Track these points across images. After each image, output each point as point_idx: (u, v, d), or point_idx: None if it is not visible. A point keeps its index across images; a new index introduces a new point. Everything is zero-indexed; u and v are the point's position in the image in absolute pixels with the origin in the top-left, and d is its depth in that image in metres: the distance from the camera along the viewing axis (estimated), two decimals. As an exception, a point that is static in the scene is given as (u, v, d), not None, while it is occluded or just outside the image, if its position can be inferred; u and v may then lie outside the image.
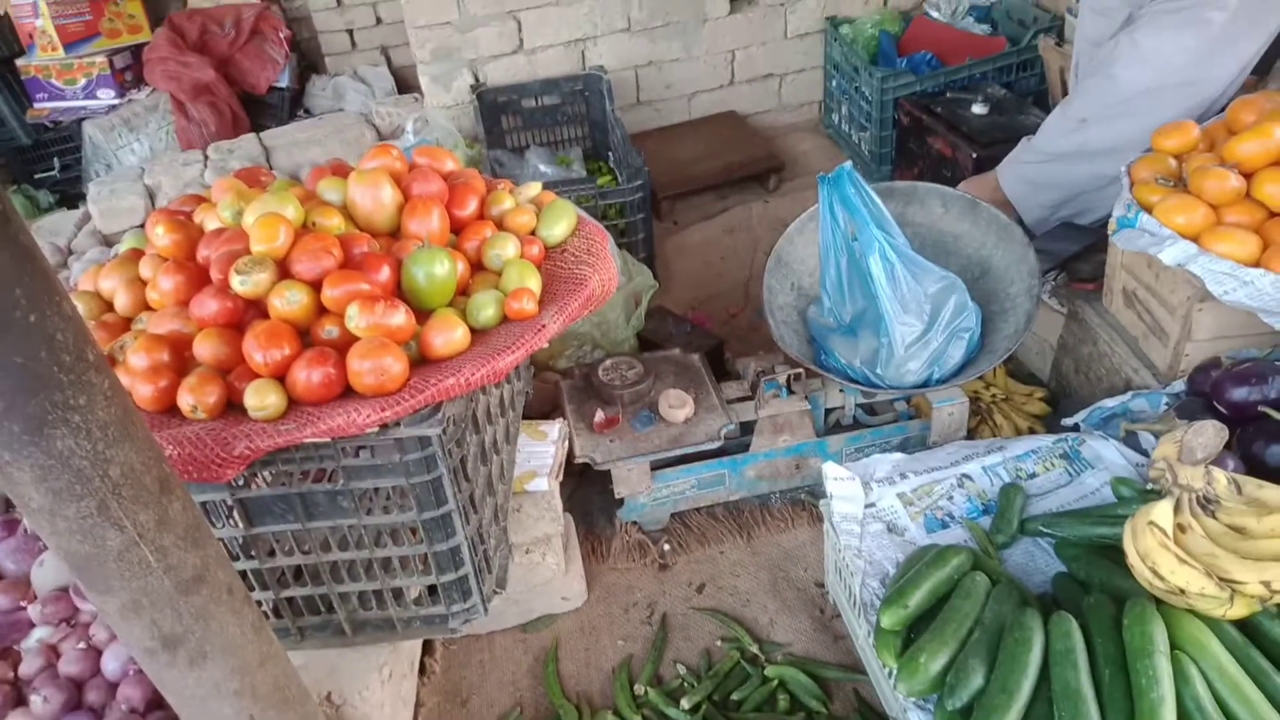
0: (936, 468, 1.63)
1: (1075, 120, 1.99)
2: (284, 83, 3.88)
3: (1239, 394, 1.48)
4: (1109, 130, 1.94)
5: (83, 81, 3.68)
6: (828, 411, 1.88)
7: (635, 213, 2.44)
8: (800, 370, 1.82)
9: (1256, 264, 1.50)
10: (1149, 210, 1.62)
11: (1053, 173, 2.05)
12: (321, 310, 1.19)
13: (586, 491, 1.93)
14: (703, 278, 2.53)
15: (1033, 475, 1.60)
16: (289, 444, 1.08)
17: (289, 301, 1.16)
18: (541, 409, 1.92)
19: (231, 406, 1.16)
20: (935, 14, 2.88)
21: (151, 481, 0.82)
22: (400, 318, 1.15)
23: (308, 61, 4.17)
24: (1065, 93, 2.51)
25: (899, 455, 1.66)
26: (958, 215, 1.92)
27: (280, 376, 1.14)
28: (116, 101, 3.72)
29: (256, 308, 1.20)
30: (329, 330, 1.16)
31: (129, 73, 3.81)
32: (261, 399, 1.10)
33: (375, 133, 2.99)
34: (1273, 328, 1.51)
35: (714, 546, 1.84)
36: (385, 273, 1.22)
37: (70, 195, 3.62)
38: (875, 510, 1.56)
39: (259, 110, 3.88)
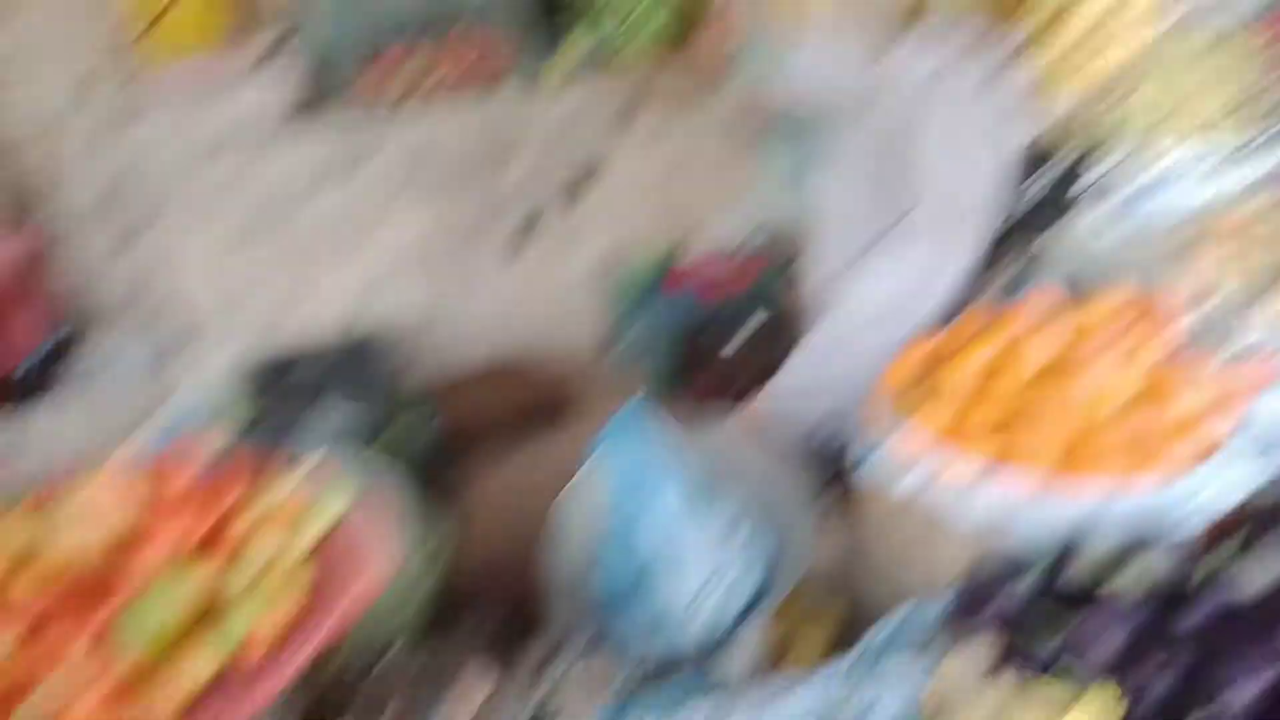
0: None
1: (818, 344, 2.14)
2: (39, 357, 3.60)
3: (999, 602, 1.55)
4: (845, 353, 2.09)
5: None
6: (624, 678, 1.78)
7: (426, 469, 2.38)
8: (589, 642, 1.73)
9: (989, 476, 1.62)
10: (886, 434, 1.73)
11: (804, 395, 2.17)
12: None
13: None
14: (504, 531, 2.46)
15: (846, 699, 1.58)
16: None
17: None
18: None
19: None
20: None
21: None
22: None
23: (71, 329, 3.93)
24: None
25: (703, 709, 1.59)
26: (735, 442, 1.98)
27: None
28: None
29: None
30: None
31: None
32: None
33: (137, 408, 2.81)
34: (1020, 534, 1.61)
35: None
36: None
37: None
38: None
39: (5, 391, 3.55)
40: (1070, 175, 1.94)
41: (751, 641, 1.75)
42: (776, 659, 1.92)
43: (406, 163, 2.82)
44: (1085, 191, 1.98)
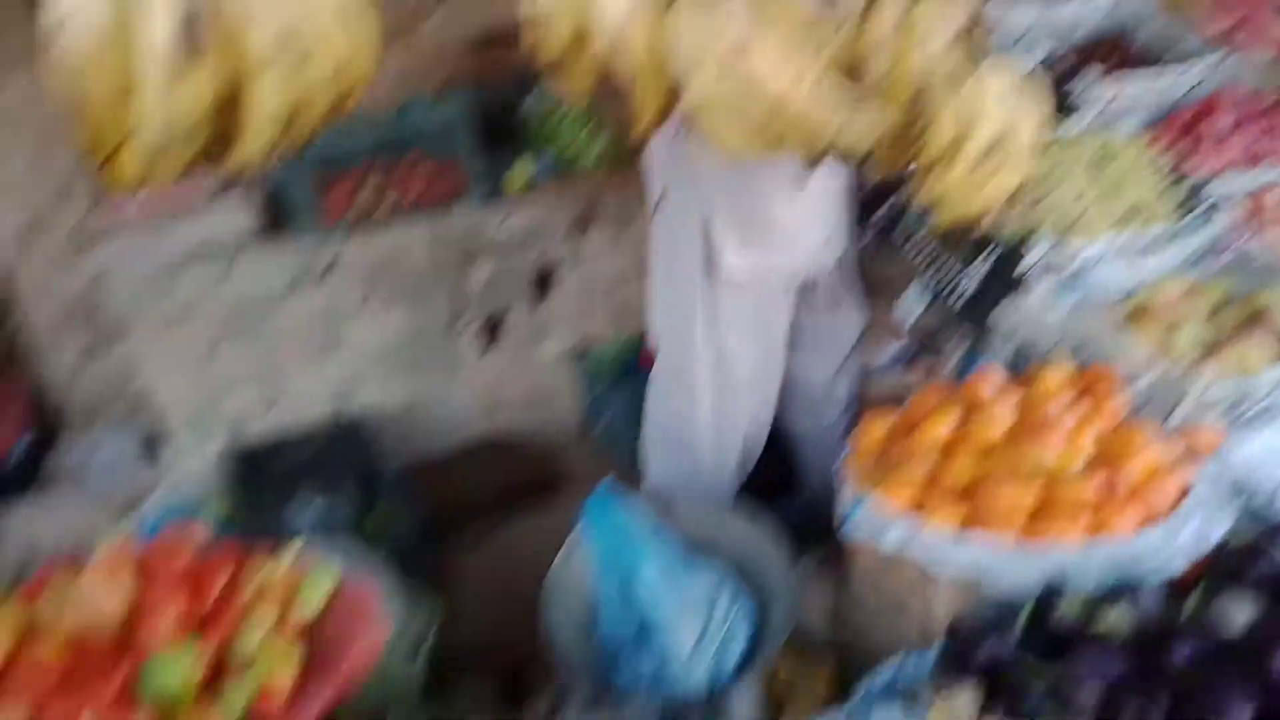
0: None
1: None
2: (16, 455, 3.57)
3: (984, 650, 1.61)
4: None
5: None
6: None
7: (412, 551, 2.39)
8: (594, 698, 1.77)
9: (962, 536, 1.69)
10: (863, 499, 1.81)
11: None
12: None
13: None
14: (497, 601, 2.47)
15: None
16: None
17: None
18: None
19: None
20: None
21: None
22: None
23: (50, 427, 3.89)
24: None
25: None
26: (708, 522, 2.05)
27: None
28: None
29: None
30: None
31: None
32: None
33: (117, 507, 2.79)
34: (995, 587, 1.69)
35: None
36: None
37: None
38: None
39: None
40: (1011, 259, 2.10)
41: (750, 693, 1.78)
42: (776, 711, 1.94)
43: (374, 270, 2.94)
44: (1025, 274, 2.13)
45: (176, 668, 1.13)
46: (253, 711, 1.17)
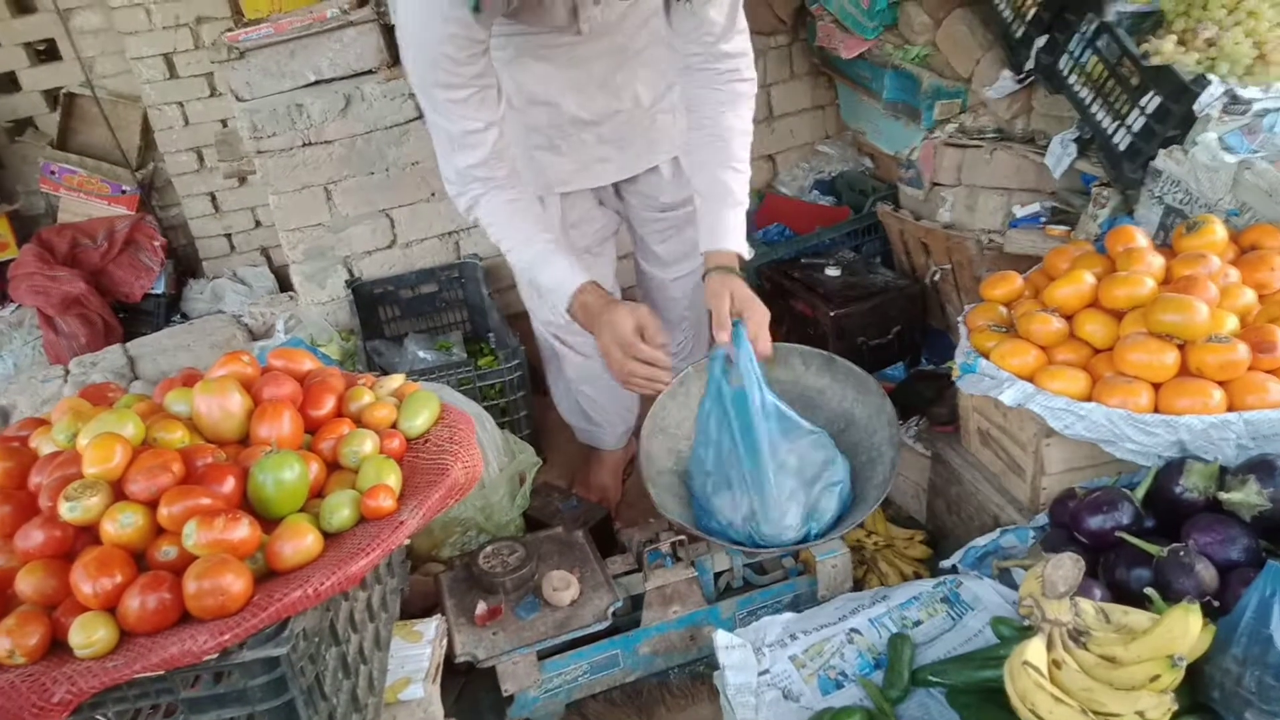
0: (825, 625, 1.61)
1: None
2: (160, 289, 3.85)
3: (1095, 523, 1.54)
4: None
5: (-59, 303, 3.58)
6: (717, 576, 1.86)
7: (515, 391, 2.46)
8: (683, 537, 1.81)
9: (1089, 398, 1.60)
10: (986, 355, 1.73)
11: None
12: (160, 531, 1.13)
13: (474, 691, 1.83)
14: (585, 446, 2.54)
15: (918, 623, 1.60)
16: (117, 682, 1.00)
17: (122, 525, 1.10)
18: (423, 605, 1.84)
19: (58, 646, 1.07)
20: (784, 190, 3.12)
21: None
22: (242, 531, 1.11)
23: (185, 267, 4.17)
24: (907, 252, 2.72)
25: (789, 615, 1.64)
26: (817, 371, 1.99)
27: (113, 608, 1.06)
28: (-22, 320, 3.62)
29: (89, 535, 1.14)
30: (166, 551, 1.10)
31: (-8, 290, 3.74)
32: (88, 635, 1.02)
33: (248, 334, 2.97)
34: (1114, 456, 1.60)
35: (614, 735, 1.75)
36: (229, 484, 1.18)
37: (-78, 419, 3.43)
38: (769, 677, 1.53)
39: (135, 319, 3.82)
40: (1182, 99, 1.87)
41: (841, 549, 1.78)
42: (868, 571, 1.96)
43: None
44: (1194, 119, 1.90)
45: (287, 469, 1.20)
46: (364, 509, 1.23)
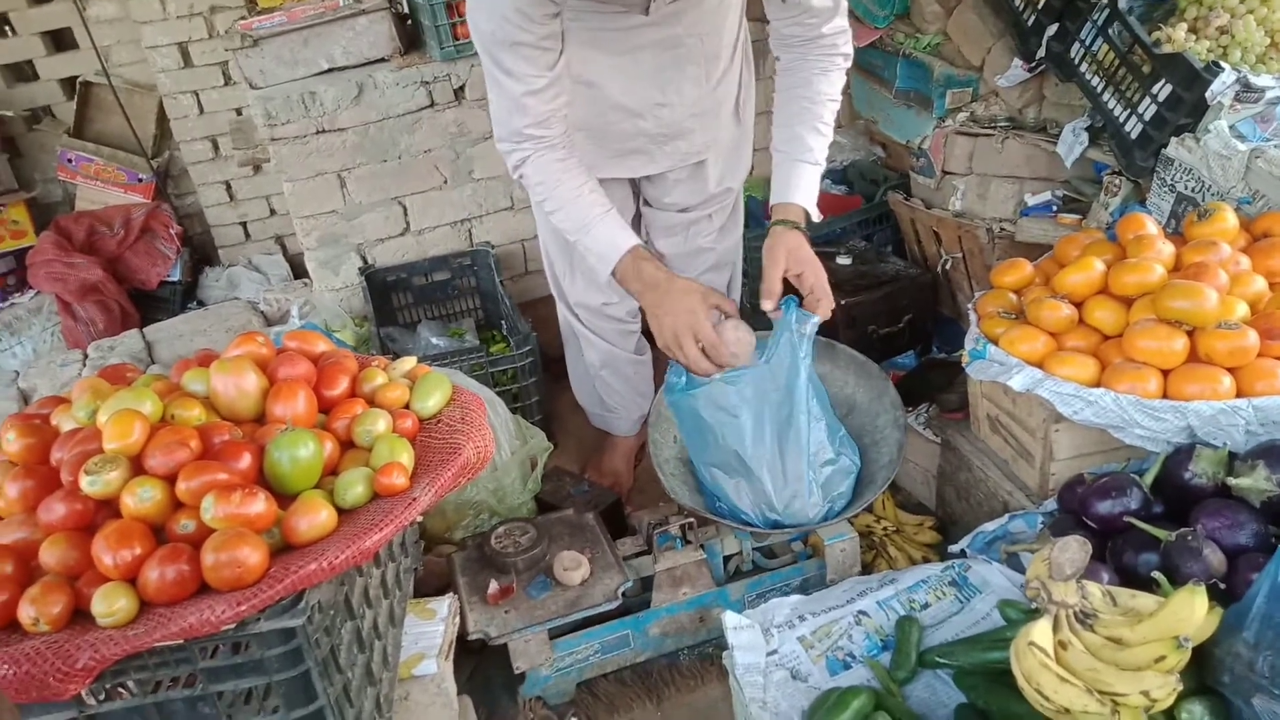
0: (834, 607, 1.62)
1: None
2: (175, 277, 3.89)
3: (1103, 508, 1.55)
4: None
5: (-39, 289, 3.62)
6: (726, 559, 1.87)
7: (527, 377, 2.48)
8: (692, 520, 1.83)
9: (1097, 384, 1.60)
10: (995, 342, 1.73)
11: None
12: (178, 505, 1.16)
13: (487, 669, 1.85)
14: (598, 431, 2.56)
15: (926, 605, 1.61)
16: (138, 649, 1.02)
17: (141, 499, 1.12)
18: (436, 585, 1.86)
19: (81, 615, 1.10)
20: (796, 177, 3.10)
21: (-30, 708, 0.76)
22: (259, 505, 1.13)
23: (201, 254, 4.20)
24: (918, 241, 2.72)
25: (797, 597, 1.66)
26: (819, 358, 2.00)
27: (133, 579, 1.09)
28: (-2, 306, 3.66)
29: (110, 508, 1.16)
30: (184, 525, 1.12)
31: (12, 277, 3.77)
32: (109, 604, 1.05)
33: (263, 320, 3.00)
34: (1123, 442, 1.60)
35: (623, 715, 1.77)
36: (246, 460, 1.21)
37: (-57, 404, 3.47)
38: (777, 657, 1.54)
39: (151, 306, 3.86)
40: (1194, 87, 1.86)
41: (849, 532, 1.79)
42: (876, 555, 1.97)
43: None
44: (1206, 107, 1.90)
45: (302, 446, 1.22)
46: (378, 486, 1.26)
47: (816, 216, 1.84)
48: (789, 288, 1.76)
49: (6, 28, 3.93)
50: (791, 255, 1.73)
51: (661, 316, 1.70)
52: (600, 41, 1.80)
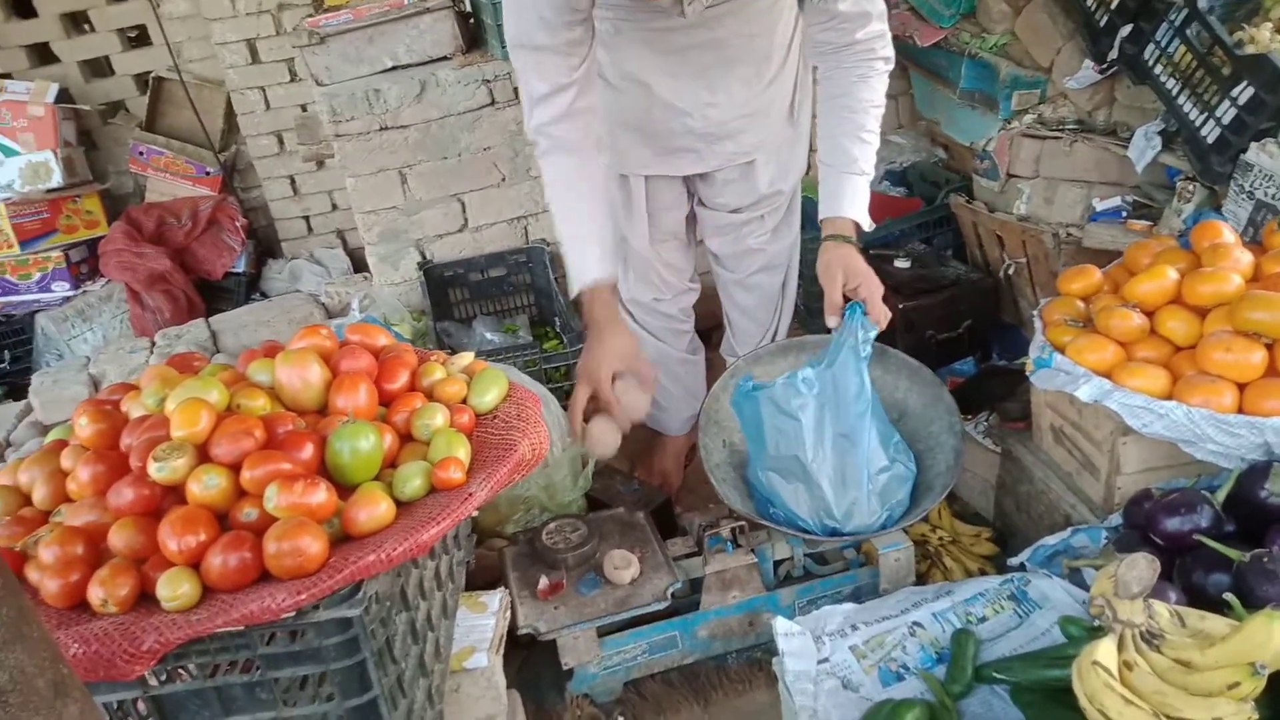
0: (887, 616, 1.60)
1: None
2: (240, 268, 3.99)
3: (1172, 524, 1.49)
4: None
5: (37, 276, 3.76)
6: (777, 564, 1.85)
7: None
8: (744, 524, 1.81)
9: (1169, 397, 1.55)
10: (1062, 350, 1.68)
11: None
12: (242, 493, 1.18)
13: (535, 664, 1.86)
14: (650, 430, 2.55)
15: (983, 619, 1.57)
16: (200, 634, 1.04)
17: (207, 486, 1.15)
18: (487, 578, 1.87)
19: (146, 598, 1.12)
20: (854, 178, 3.06)
21: (45, 685, 0.79)
22: (320, 496, 1.14)
23: (264, 247, 4.30)
24: (980, 245, 2.66)
25: (850, 606, 1.63)
26: (870, 362, 1.97)
27: (196, 564, 1.11)
28: (71, 293, 3.79)
29: (176, 494, 1.19)
30: (248, 513, 1.15)
31: (85, 265, 3.91)
32: (174, 589, 1.07)
33: (324, 312, 3.05)
34: (1194, 457, 1.55)
35: (670, 716, 1.77)
36: (308, 450, 1.22)
37: (19, 387, 3.60)
38: (829, 666, 1.52)
39: (216, 296, 3.97)
40: (1277, 88, 1.79)
41: (904, 541, 1.76)
42: (932, 566, 1.93)
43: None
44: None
45: (363, 439, 1.24)
46: (435, 480, 1.27)
47: (868, 225, 1.85)
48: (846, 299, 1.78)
49: (86, 24, 4.07)
50: (847, 270, 1.75)
51: (584, 356, 1.83)
52: (649, 40, 1.82)
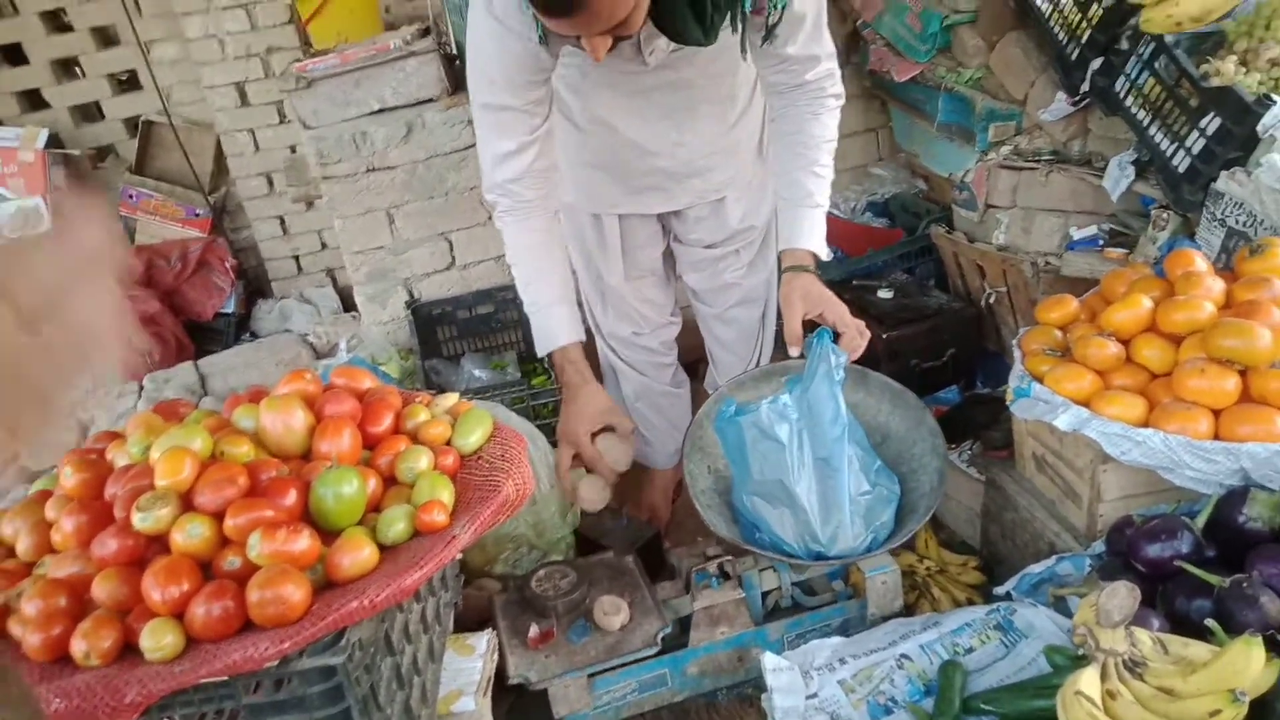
0: (875, 649, 1.60)
1: None
2: (230, 309, 4.00)
3: (1153, 551, 1.50)
4: None
5: (27, 321, 3.75)
6: (764, 595, 1.86)
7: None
8: (730, 558, 1.82)
9: (1146, 424, 1.57)
10: (1040, 380, 1.71)
11: None
12: (225, 542, 1.19)
13: (524, 706, 1.85)
14: (637, 465, 2.56)
15: (970, 650, 1.58)
16: (183, 685, 1.04)
17: (190, 535, 1.15)
18: (476, 619, 1.87)
19: (130, 649, 1.13)
20: (836, 211, 3.11)
21: (24, 742, 0.79)
22: (303, 543, 1.15)
23: (254, 286, 4.32)
24: (961, 274, 2.70)
25: (837, 639, 1.64)
26: (851, 386, 1.97)
27: (180, 614, 1.12)
28: (60, 338, 3.78)
29: (160, 544, 1.19)
30: (231, 561, 1.15)
31: (74, 310, 3.90)
32: (157, 640, 1.08)
33: (312, 353, 3.07)
34: (1173, 483, 1.56)
35: (661, 755, 1.76)
36: (292, 497, 1.23)
37: (7, 432, 3.59)
38: (817, 701, 1.52)
39: (206, 336, 3.97)
40: (1245, 119, 1.83)
41: (889, 566, 1.76)
42: (920, 595, 1.94)
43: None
44: (1259, 138, 1.87)
45: (346, 484, 1.25)
46: (419, 523, 1.28)
47: (826, 255, 1.91)
48: (813, 329, 1.82)
49: (77, 70, 4.11)
50: (807, 298, 1.80)
51: (562, 419, 1.92)
52: (615, 83, 1.87)
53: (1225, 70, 1.90)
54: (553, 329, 1.87)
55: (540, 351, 1.92)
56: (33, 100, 4.08)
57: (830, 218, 2.54)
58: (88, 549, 1.20)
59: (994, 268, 2.51)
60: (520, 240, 1.87)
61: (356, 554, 1.19)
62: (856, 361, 1.84)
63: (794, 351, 1.81)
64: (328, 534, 1.24)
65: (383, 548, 1.25)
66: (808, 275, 1.82)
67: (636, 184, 2.03)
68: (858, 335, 1.79)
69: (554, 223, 1.89)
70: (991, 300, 2.55)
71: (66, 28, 4.00)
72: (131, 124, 4.16)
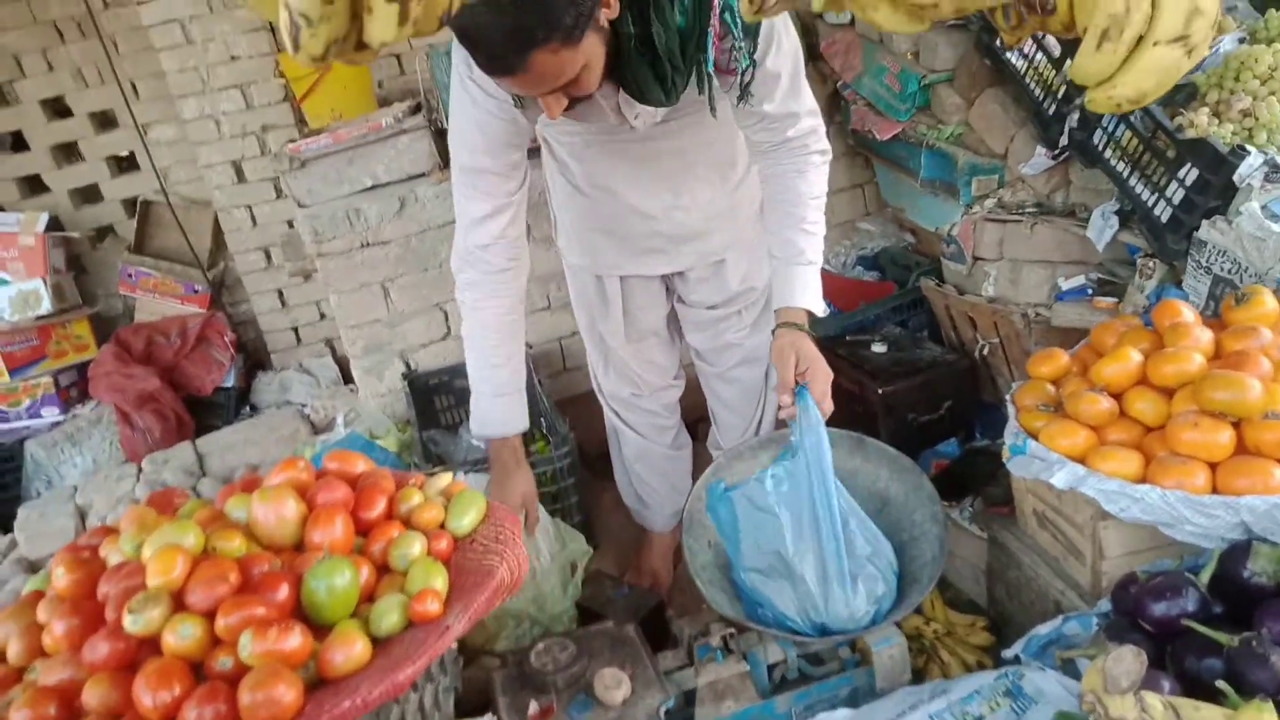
0: (884, 720, 1.57)
1: None
2: (230, 383, 4.01)
3: (1159, 610, 1.48)
4: None
5: (27, 403, 3.78)
6: (770, 668, 1.83)
7: (566, 478, 2.49)
8: (734, 629, 1.79)
9: (1143, 479, 1.56)
10: (1035, 436, 1.70)
11: None
12: (217, 641, 1.18)
13: (529, 787, 1.81)
14: (635, 529, 2.54)
15: (980, 718, 1.55)
16: (174, 796, 1.03)
17: (181, 636, 1.15)
18: (477, 700, 1.84)
19: (122, 756, 1.11)
20: (828, 267, 3.13)
21: None
22: (294, 641, 1.14)
23: (254, 359, 4.34)
24: (954, 326, 2.70)
25: (846, 711, 1.61)
26: (848, 453, 1.98)
27: (173, 719, 1.10)
28: (60, 418, 3.80)
29: (152, 645, 1.18)
30: (223, 662, 1.14)
31: (74, 389, 3.93)
32: (148, 747, 1.06)
33: (310, 428, 3.07)
34: (1174, 539, 1.55)
35: (670, 835, 1.71)
36: (284, 591, 1.23)
37: (5, 517, 3.58)
38: (826, 777, 1.49)
39: (206, 411, 3.97)
40: (1222, 170, 1.85)
41: (895, 636, 1.74)
42: (928, 660, 1.90)
43: (535, 207, 2.95)
44: (1237, 189, 1.89)
45: (338, 575, 1.24)
46: (412, 613, 1.27)
47: (822, 311, 1.92)
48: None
49: (76, 154, 4.19)
50: (799, 354, 1.80)
51: (491, 492, 1.89)
52: (616, 151, 1.90)
53: (1199, 122, 1.93)
54: (507, 417, 1.90)
55: (485, 433, 1.93)
56: (33, 185, 4.15)
57: (822, 273, 2.58)
58: (79, 652, 1.19)
59: (985, 319, 2.52)
60: (488, 320, 1.88)
61: (349, 650, 1.18)
62: (851, 425, 1.84)
63: (785, 400, 1.80)
64: (320, 628, 1.23)
65: (376, 640, 1.24)
66: (800, 333, 1.83)
67: (637, 246, 2.06)
68: (828, 402, 1.81)
69: (520, 304, 1.92)
70: (985, 351, 2.55)
71: (66, 112, 4.09)
72: (130, 204, 4.23)
